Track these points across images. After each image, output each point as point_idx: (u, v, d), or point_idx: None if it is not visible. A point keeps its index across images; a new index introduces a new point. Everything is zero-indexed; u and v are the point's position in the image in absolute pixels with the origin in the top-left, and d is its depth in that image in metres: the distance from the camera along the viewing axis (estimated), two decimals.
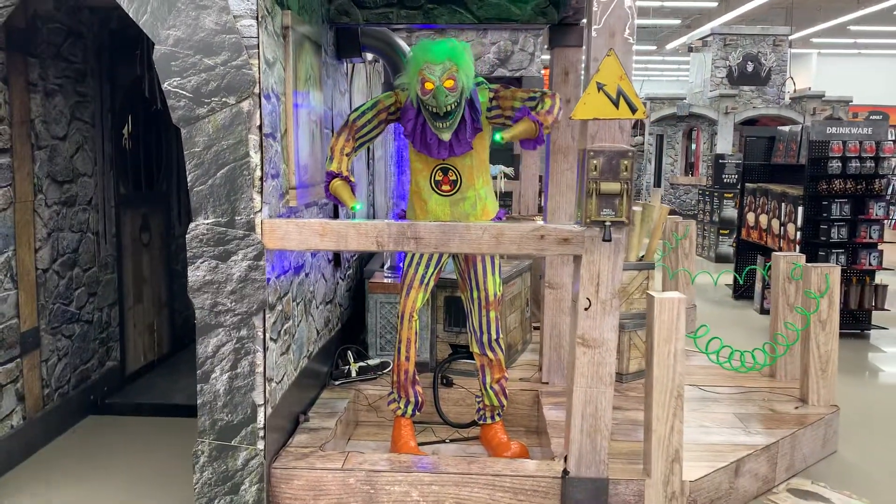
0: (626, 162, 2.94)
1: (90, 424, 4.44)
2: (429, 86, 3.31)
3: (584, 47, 3.08)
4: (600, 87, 2.90)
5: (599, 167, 2.94)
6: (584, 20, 3.08)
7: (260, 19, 2.97)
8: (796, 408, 4.18)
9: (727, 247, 11.06)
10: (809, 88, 18.83)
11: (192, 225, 3.03)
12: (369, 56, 5.37)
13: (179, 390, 4.85)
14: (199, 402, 3.10)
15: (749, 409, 4.16)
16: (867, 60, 27.48)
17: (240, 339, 3.06)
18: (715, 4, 17.54)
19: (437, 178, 3.58)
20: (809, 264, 4.31)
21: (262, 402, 3.10)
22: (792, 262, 4.55)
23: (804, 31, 20.59)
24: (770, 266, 4.72)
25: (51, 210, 4.13)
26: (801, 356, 4.35)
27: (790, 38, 17.05)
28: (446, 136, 3.43)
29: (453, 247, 3.08)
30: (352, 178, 3.45)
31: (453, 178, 3.58)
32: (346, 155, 3.48)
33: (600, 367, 3.07)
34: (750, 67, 16.52)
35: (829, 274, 4.17)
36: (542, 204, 4.47)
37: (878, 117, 19.22)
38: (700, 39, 17.31)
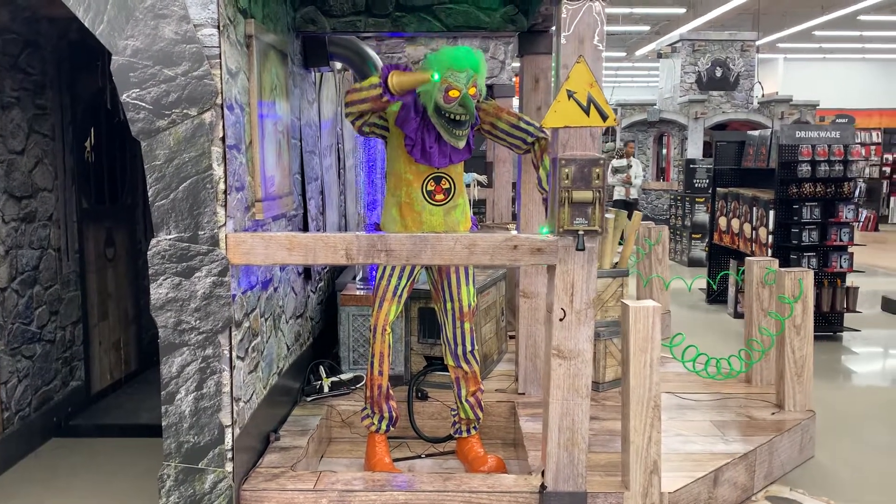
0: (597, 170, 2.90)
1: (53, 447, 4.29)
2: (454, 93, 3.27)
3: (553, 54, 3.03)
4: (570, 95, 2.86)
5: (571, 175, 2.89)
6: (554, 27, 3.04)
7: (221, 28, 2.88)
8: (773, 413, 4.17)
9: (699, 251, 11.13)
10: (777, 93, 19.07)
11: (153, 241, 2.93)
12: (338, 65, 5.29)
13: (147, 409, 4.70)
14: (163, 423, 2.99)
15: (726, 415, 4.14)
16: (832, 65, 27.92)
17: (205, 358, 2.96)
18: (683, 11, 17.70)
19: (430, 187, 3.50)
20: (783, 269, 4.29)
21: (230, 423, 3.00)
22: (765, 267, 4.55)
23: (771, 37, 20.85)
24: (743, 271, 4.71)
25: (8, 227, 3.99)
26: (777, 361, 4.33)
27: (757, 43, 17.26)
28: (461, 144, 3.40)
29: (425, 258, 3.01)
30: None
31: (446, 186, 3.51)
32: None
33: (576, 378, 3.02)
34: (718, 73, 16.68)
35: (803, 279, 4.17)
36: (516, 212, 4.42)
37: (843, 121, 19.53)
38: (669, 45, 17.46)
